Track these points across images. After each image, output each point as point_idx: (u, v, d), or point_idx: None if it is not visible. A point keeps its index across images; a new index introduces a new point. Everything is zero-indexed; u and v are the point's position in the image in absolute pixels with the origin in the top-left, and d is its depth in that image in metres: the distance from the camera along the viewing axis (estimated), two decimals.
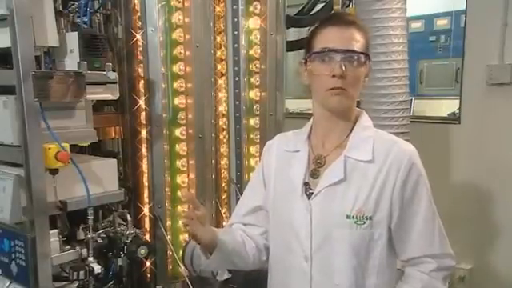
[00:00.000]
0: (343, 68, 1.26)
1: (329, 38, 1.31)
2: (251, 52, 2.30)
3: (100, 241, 1.87)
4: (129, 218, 1.95)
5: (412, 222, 1.33)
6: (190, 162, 2.21)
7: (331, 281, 1.34)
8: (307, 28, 1.39)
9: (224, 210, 2.42)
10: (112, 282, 1.96)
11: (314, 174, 1.37)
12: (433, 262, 1.34)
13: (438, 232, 1.35)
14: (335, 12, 2.52)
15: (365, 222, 1.30)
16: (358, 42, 1.30)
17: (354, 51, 1.28)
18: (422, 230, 1.33)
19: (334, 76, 1.27)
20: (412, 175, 1.31)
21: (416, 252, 1.35)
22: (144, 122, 2.07)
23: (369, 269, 1.33)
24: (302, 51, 1.43)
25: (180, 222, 2.16)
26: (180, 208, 2.15)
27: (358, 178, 1.32)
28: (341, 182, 1.33)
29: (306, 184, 1.38)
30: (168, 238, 2.08)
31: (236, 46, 2.30)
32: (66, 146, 1.68)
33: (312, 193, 1.36)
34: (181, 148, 2.18)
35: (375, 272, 1.33)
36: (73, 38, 1.83)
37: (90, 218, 1.79)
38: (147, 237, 2.06)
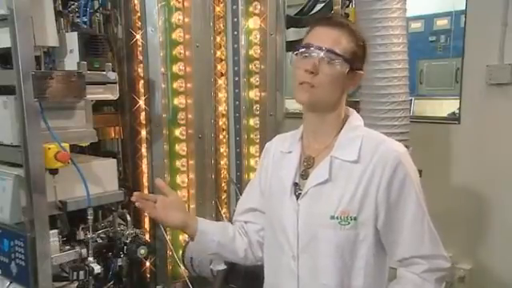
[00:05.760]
0: (316, 64, 1.28)
1: (313, 35, 1.33)
2: (251, 52, 2.30)
3: (100, 241, 1.88)
4: (128, 218, 1.95)
5: (400, 223, 1.32)
6: (190, 161, 2.21)
7: (317, 281, 1.35)
8: (307, 28, 1.40)
9: (224, 210, 2.42)
10: (112, 282, 1.96)
11: (304, 174, 1.39)
12: (424, 263, 1.33)
13: (427, 233, 1.33)
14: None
15: (349, 223, 1.30)
16: (340, 44, 1.29)
17: (331, 51, 1.28)
18: (410, 231, 1.32)
19: (306, 70, 1.28)
20: (398, 175, 1.30)
21: (406, 253, 1.34)
22: (144, 121, 2.07)
23: (355, 269, 1.33)
24: None
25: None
26: None
27: (343, 179, 1.32)
28: (326, 182, 1.34)
29: (295, 185, 1.39)
30: (168, 238, 2.09)
31: (236, 46, 2.30)
32: (66, 146, 1.68)
33: (300, 193, 1.37)
34: (180, 148, 2.18)
35: (362, 273, 1.34)
36: (73, 38, 1.84)
37: (90, 218, 1.79)
38: (147, 237, 2.06)
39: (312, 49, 1.29)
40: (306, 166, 1.40)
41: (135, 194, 1.48)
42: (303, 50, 1.31)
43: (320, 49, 1.28)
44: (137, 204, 1.45)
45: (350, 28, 1.33)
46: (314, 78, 1.29)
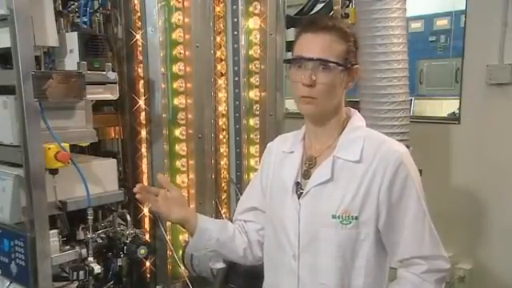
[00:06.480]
0: (313, 77, 1.27)
1: (303, 45, 1.32)
2: (251, 52, 2.30)
3: (100, 241, 1.88)
4: (128, 218, 1.95)
5: (401, 223, 1.32)
6: (190, 162, 2.21)
7: (317, 280, 1.35)
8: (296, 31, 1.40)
9: (224, 210, 2.42)
10: (112, 282, 1.96)
11: (306, 174, 1.40)
12: (424, 264, 1.34)
13: (428, 233, 1.34)
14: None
15: (350, 222, 1.31)
16: (331, 49, 1.28)
17: (324, 60, 1.27)
18: (411, 231, 1.33)
19: (303, 84, 1.28)
20: (399, 175, 1.30)
21: (406, 253, 1.35)
22: (144, 121, 2.07)
23: (355, 269, 1.34)
24: None
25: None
26: None
27: (345, 179, 1.33)
28: (328, 181, 1.34)
29: (297, 184, 1.40)
30: (168, 238, 2.09)
31: (236, 46, 2.30)
32: (66, 146, 1.68)
33: (302, 193, 1.37)
34: (180, 148, 2.18)
35: (362, 272, 1.34)
36: (73, 38, 1.84)
37: (90, 218, 1.79)
38: (147, 237, 2.06)
39: (305, 61, 1.29)
40: (309, 165, 1.40)
41: (138, 185, 1.48)
42: (296, 62, 1.31)
43: (312, 60, 1.28)
44: (137, 196, 1.45)
45: (337, 28, 1.32)
46: (313, 90, 1.29)
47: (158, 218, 2.06)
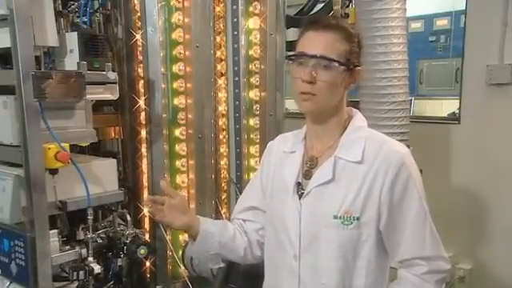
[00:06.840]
0: (313, 74, 1.27)
1: (305, 42, 1.32)
2: (251, 52, 2.30)
3: (100, 241, 1.88)
4: (128, 218, 1.95)
5: (402, 224, 1.32)
6: (190, 162, 2.21)
7: (318, 280, 1.35)
8: (299, 30, 1.40)
9: (224, 210, 2.42)
10: (112, 282, 1.96)
11: (307, 174, 1.39)
12: (425, 265, 1.34)
13: (429, 234, 1.34)
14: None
15: (352, 223, 1.31)
16: (333, 48, 1.29)
17: (325, 57, 1.27)
18: (412, 232, 1.33)
19: (304, 81, 1.28)
20: (401, 176, 1.30)
21: (407, 254, 1.35)
22: (144, 122, 2.07)
23: (357, 269, 1.34)
24: None
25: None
26: None
27: (346, 179, 1.33)
28: (329, 182, 1.34)
29: (298, 184, 1.39)
30: (168, 238, 2.09)
31: (236, 46, 2.30)
32: (66, 146, 1.68)
33: (303, 193, 1.37)
34: (180, 148, 2.18)
35: (363, 273, 1.34)
36: (73, 38, 1.84)
37: (90, 218, 1.79)
38: (147, 237, 2.06)
39: (306, 57, 1.29)
40: (310, 166, 1.40)
41: (148, 198, 1.47)
42: (297, 58, 1.31)
43: (314, 57, 1.28)
44: (149, 209, 1.45)
45: (341, 28, 1.32)
46: (313, 87, 1.29)
47: (161, 223, 2.06)
